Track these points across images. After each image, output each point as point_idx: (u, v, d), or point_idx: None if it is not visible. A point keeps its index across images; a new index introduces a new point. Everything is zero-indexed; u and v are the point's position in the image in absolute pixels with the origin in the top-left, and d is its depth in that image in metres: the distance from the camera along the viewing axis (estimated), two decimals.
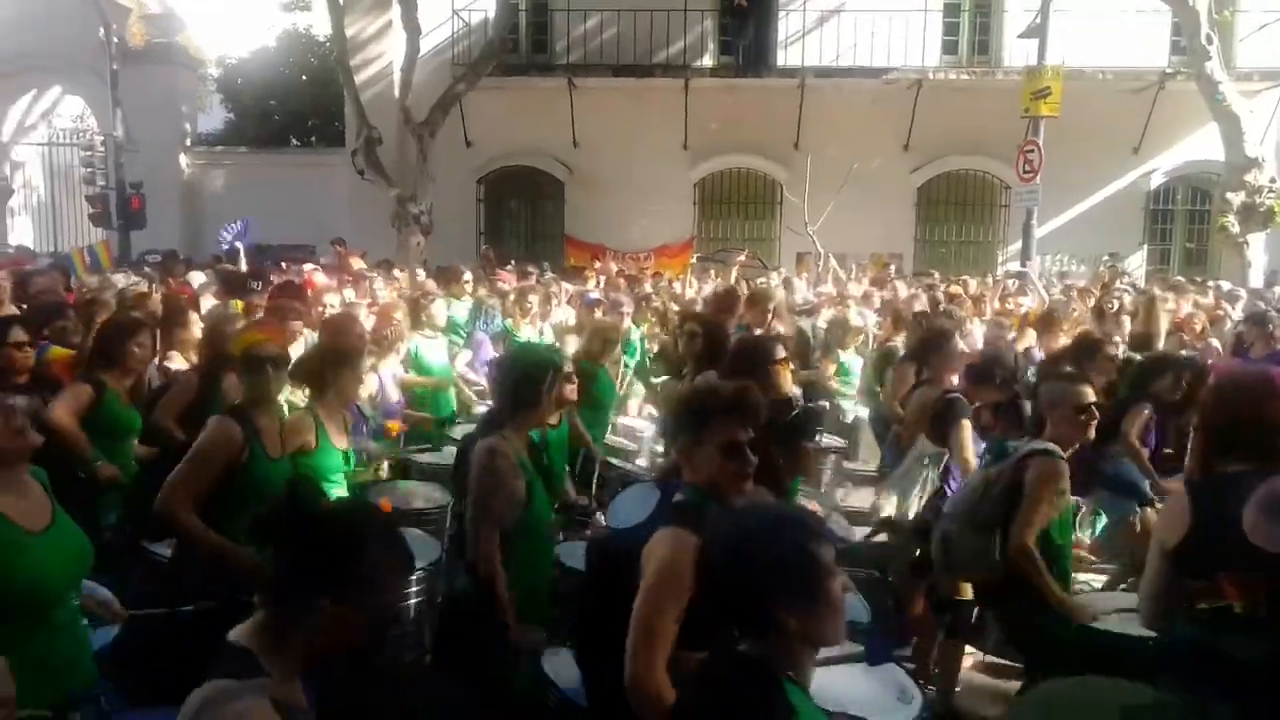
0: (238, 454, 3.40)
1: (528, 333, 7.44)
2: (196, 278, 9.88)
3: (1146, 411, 5.20)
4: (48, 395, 4.17)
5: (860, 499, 6.98)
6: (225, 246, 10.96)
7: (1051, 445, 3.47)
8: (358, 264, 10.86)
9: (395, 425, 5.36)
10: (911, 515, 4.45)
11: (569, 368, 3.95)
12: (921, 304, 8.51)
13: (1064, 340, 6.51)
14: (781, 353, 4.11)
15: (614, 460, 5.58)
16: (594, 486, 5.04)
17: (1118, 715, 1.27)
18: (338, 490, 3.93)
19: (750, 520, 1.84)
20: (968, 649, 4.32)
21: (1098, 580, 5.32)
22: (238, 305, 7.52)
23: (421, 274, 10.68)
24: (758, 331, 6.02)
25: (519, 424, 3.38)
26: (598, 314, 7.45)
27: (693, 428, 2.50)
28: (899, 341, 7.13)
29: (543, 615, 3.30)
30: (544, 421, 3.62)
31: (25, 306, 6.21)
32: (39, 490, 2.52)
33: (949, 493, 4.29)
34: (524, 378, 3.38)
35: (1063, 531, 3.64)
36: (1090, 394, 3.64)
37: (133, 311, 5.75)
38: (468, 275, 9.35)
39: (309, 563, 1.77)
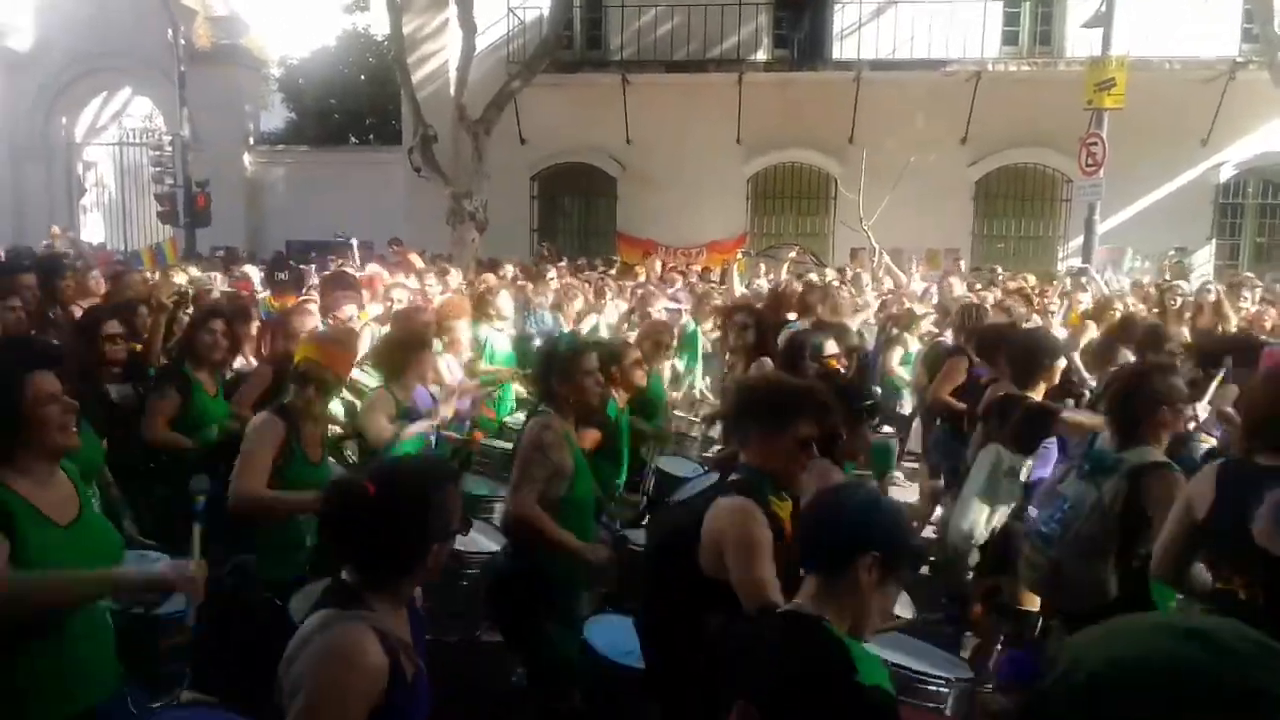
0: (280, 448, 3.40)
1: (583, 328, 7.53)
2: (253, 272, 10.15)
3: None
4: (139, 385, 4.50)
5: (908, 491, 6.96)
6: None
7: (1165, 458, 3.25)
8: (418, 262, 11.04)
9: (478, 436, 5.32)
10: (995, 529, 4.19)
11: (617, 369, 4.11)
12: (972, 299, 8.40)
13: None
14: (832, 349, 4.12)
15: (662, 465, 5.55)
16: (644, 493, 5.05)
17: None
18: None
19: (874, 494, 2.11)
20: None
21: None
22: (269, 301, 7.75)
23: (510, 269, 10.82)
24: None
25: (559, 408, 3.57)
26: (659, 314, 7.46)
27: (775, 421, 2.61)
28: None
29: (584, 588, 3.54)
30: (584, 404, 3.75)
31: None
32: (67, 483, 2.39)
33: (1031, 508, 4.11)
34: (542, 371, 3.68)
35: None
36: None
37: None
38: (552, 273, 9.54)
39: (413, 528, 1.98)
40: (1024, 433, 4.17)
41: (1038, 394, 4.37)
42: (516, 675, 4.05)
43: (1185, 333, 6.93)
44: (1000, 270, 12.39)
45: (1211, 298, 7.91)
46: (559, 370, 3.59)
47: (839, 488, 2.12)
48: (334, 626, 1.88)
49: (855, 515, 1.97)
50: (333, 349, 3.74)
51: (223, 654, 2.93)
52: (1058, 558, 3.32)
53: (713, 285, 10.24)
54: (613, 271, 11.62)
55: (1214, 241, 16.97)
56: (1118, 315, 6.85)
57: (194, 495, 2.64)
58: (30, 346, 2.82)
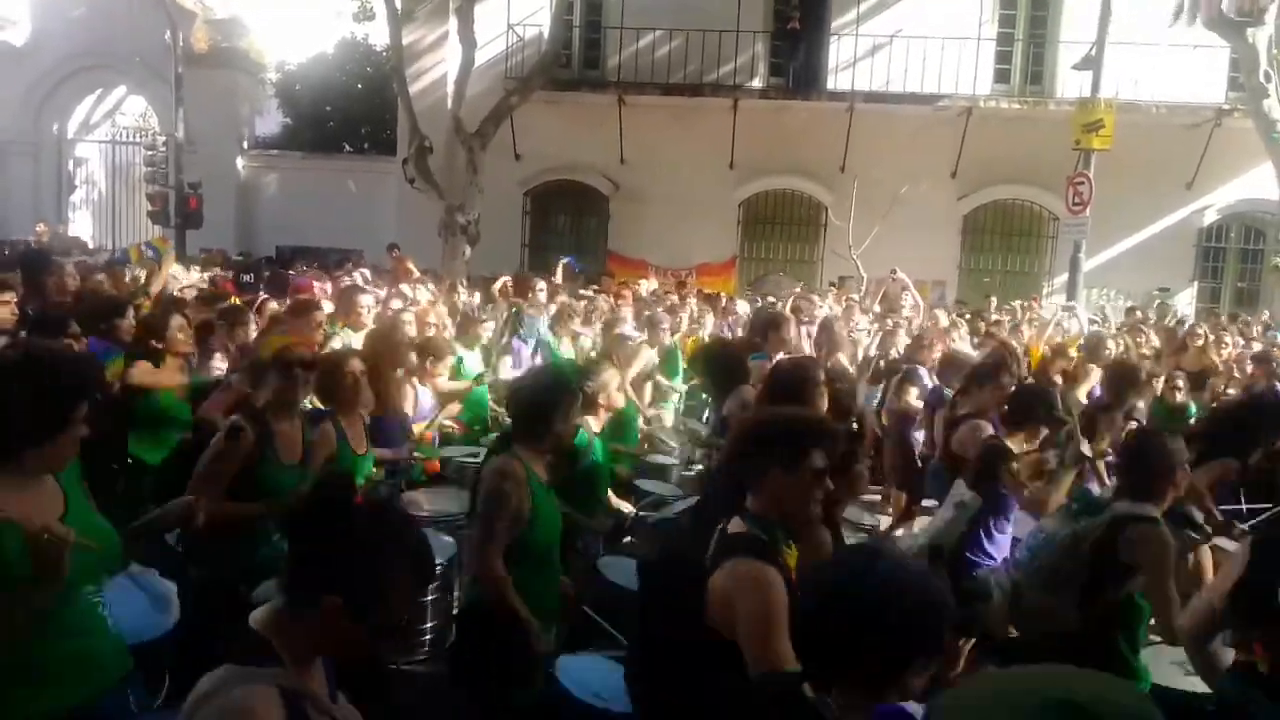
0: (250, 455, 3.43)
1: (567, 346, 7.58)
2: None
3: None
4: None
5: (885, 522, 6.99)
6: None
7: (1155, 513, 3.26)
8: (414, 270, 11.05)
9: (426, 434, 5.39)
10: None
11: (603, 395, 4.11)
12: (961, 334, 8.52)
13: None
14: (820, 377, 4.14)
15: (642, 484, 5.54)
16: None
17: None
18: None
19: (919, 575, 1.75)
20: None
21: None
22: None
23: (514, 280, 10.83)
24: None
25: (532, 444, 3.36)
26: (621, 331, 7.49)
27: (791, 457, 2.45)
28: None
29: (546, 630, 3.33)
30: (560, 443, 3.57)
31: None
32: (50, 481, 2.30)
33: (983, 539, 4.10)
34: (533, 403, 3.38)
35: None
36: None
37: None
38: (541, 285, 9.58)
39: (321, 555, 1.74)
40: (979, 470, 4.17)
41: (1017, 442, 4.34)
42: None
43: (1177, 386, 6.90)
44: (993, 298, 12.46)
45: (1199, 342, 7.99)
46: (566, 408, 3.43)
47: (903, 585, 1.68)
48: (232, 687, 1.68)
49: (929, 622, 1.67)
50: (297, 333, 3.73)
51: (203, 649, 2.92)
52: (1019, 582, 3.48)
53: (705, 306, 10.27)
54: (591, 290, 11.63)
55: (1196, 284, 17.25)
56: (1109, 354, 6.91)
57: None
58: None
